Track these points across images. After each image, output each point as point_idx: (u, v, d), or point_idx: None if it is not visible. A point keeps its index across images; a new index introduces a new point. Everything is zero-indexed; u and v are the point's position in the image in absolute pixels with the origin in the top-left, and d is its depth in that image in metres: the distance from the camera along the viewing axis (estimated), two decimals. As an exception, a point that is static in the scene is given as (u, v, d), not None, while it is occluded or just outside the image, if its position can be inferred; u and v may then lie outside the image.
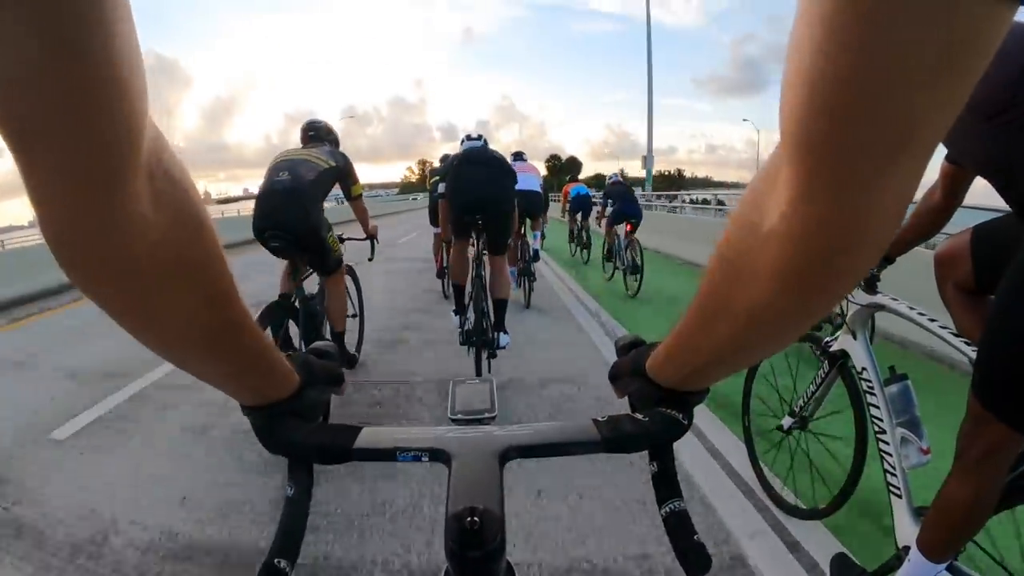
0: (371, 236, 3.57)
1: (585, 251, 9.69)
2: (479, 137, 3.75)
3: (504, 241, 3.49)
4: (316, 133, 3.25)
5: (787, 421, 1.94)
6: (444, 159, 5.90)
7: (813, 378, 1.82)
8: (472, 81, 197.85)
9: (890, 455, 1.48)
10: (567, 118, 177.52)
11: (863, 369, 1.56)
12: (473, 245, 3.43)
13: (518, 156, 6.31)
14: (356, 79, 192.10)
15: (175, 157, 0.34)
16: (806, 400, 1.86)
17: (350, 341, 3.63)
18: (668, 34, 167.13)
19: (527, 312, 5.51)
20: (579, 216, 9.70)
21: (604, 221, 7.37)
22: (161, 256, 0.34)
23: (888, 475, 1.48)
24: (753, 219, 0.34)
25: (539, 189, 5.97)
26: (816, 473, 1.94)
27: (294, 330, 2.97)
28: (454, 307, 3.69)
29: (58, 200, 0.29)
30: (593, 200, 9.79)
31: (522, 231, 5.92)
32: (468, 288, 3.45)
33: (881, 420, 1.50)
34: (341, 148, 3.40)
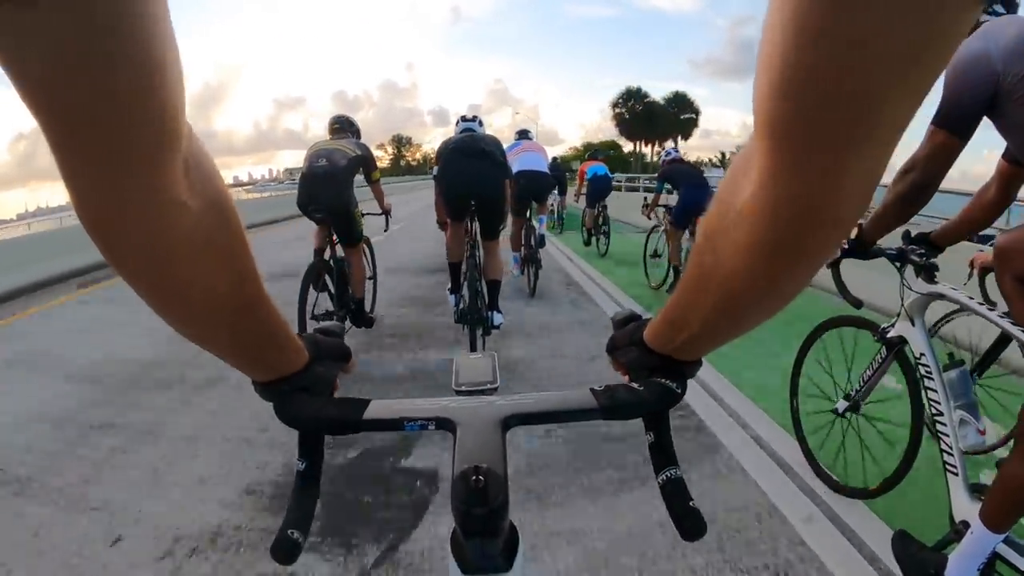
0: (386, 212, 4.24)
1: (603, 239, 7.98)
2: (474, 118, 3.89)
3: (496, 226, 3.69)
4: (341, 125, 3.90)
5: (841, 404, 2.03)
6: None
7: (869, 363, 1.91)
8: (464, 64, 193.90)
9: (947, 436, 1.56)
10: (561, 101, 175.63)
11: (921, 355, 1.65)
12: (467, 229, 3.61)
13: (523, 134, 5.94)
14: (346, 63, 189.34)
15: (202, 145, 0.36)
16: (861, 384, 1.95)
17: (367, 302, 4.14)
18: (665, 18, 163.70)
19: (531, 304, 5.17)
20: (597, 205, 8.17)
21: (664, 218, 5.65)
22: (194, 238, 0.35)
23: (945, 455, 1.56)
24: (731, 198, 0.35)
25: (546, 170, 5.50)
26: (868, 454, 2.03)
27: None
28: (450, 286, 3.86)
29: (100, 186, 0.30)
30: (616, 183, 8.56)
31: (527, 215, 5.62)
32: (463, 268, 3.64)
33: (939, 403, 1.59)
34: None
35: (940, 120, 1.39)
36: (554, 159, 9.26)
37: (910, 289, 1.67)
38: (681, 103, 75.40)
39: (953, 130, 1.38)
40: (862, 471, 2.03)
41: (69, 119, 0.27)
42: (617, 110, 75.43)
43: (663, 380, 0.51)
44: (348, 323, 3.85)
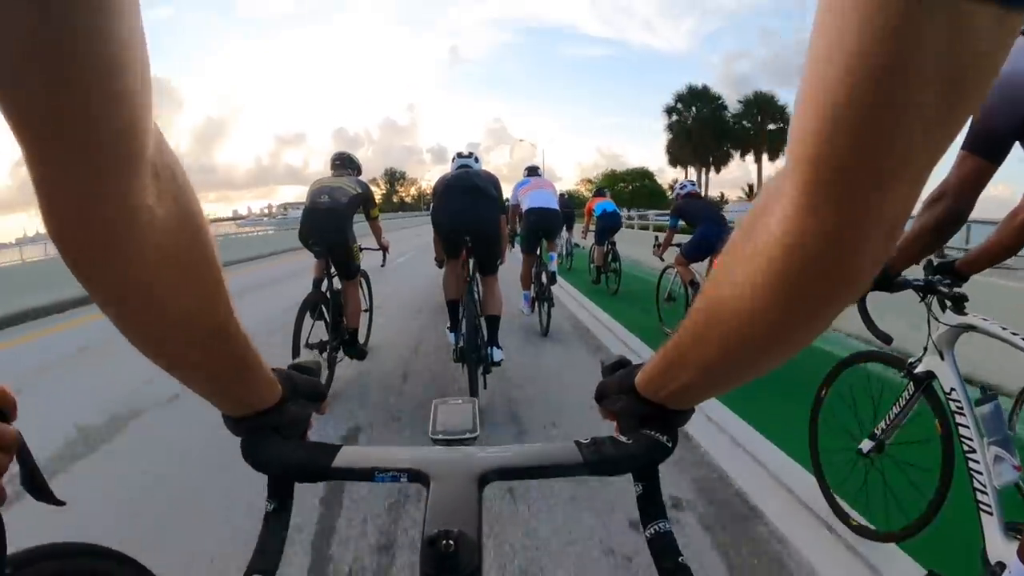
0: (384, 248, 4.42)
1: (614, 277, 7.86)
2: (470, 155, 3.94)
3: (494, 262, 3.70)
4: (342, 162, 4.08)
5: (866, 444, 1.98)
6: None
7: (895, 400, 1.87)
8: (463, 103, 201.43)
9: (980, 473, 1.52)
10: (558, 141, 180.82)
11: (951, 390, 1.62)
12: (465, 264, 3.61)
13: (533, 171, 5.88)
14: (347, 101, 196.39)
15: (174, 155, 0.35)
16: (887, 423, 1.91)
17: (360, 334, 4.24)
18: (659, 56, 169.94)
19: (544, 343, 5.06)
20: (607, 242, 8.10)
21: (672, 254, 5.43)
22: (164, 250, 0.34)
23: (978, 493, 1.52)
24: (755, 229, 0.34)
25: (556, 206, 5.45)
26: (893, 497, 1.96)
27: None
28: (448, 324, 3.83)
29: (68, 190, 0.30)
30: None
31: (537, 252, 5.53)
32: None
33: (971, 440, 1.55)
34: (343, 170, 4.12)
35: (971, 144, 1.38)
36: (562, 195, 9.24)
37: (939, 321, 1.66)
38: (763, 106, 55.95)
39: (985, 155, 1.37)
40: (885, 513, 1.96)
41: (31, 118, 0.26)
42: (673, 118, 58.72)
43: (653, 433, 0.49)
44: (341, 353, 3.93)
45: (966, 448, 1.57)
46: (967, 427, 1.57)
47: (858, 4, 0.22)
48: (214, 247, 0.39)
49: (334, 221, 3.67)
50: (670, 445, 0.49)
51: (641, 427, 0.50)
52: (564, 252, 10.96)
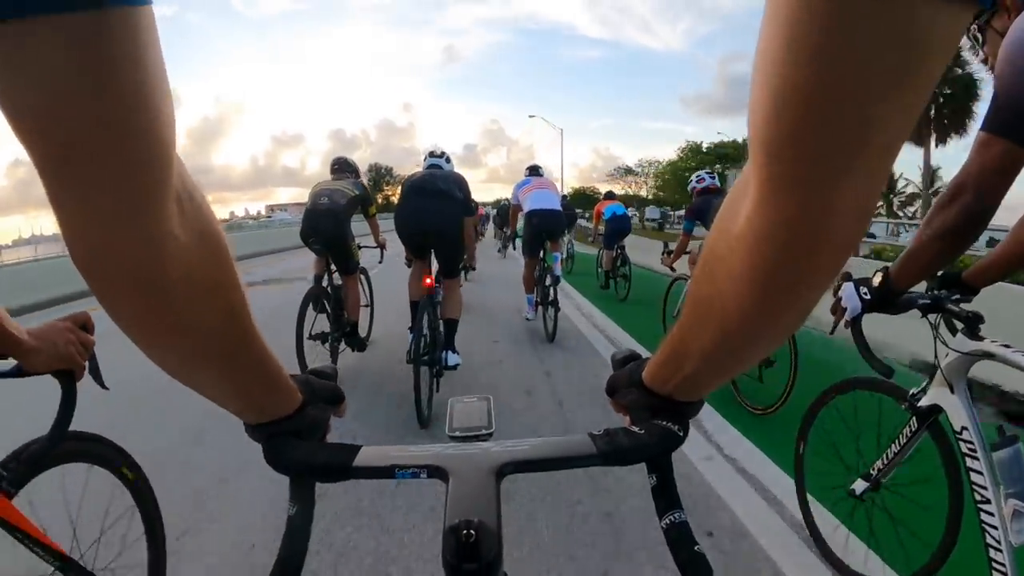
0: (381, 245, 4.72)
1: (623, 283, 7.59)
2: (442, 154, 3.98)
3: (455, 264, 3.74)
4: (340, 166, 4.49)
5: (859, 485, 1.74)
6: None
7: (895, 437, 1.63)
8: (461, 105, 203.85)
9: (994, 528, 1.28)
10: (555, 142, 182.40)
11: (963, 429, 1.38)
12: (428, 267, 3.65)
13: (534, 171, 5.69)
14: (345, 103, 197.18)
15: (193, 179, 0.35)
16: (885, 462, 1.67)
17: (363, 328, 4.63)
18: (655, 57, 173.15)
19: (551, 349, 4.91)
20: (616, 246, 7.81)
21: (683, 263, 4.59)
22: (187, 274, 0.35)
23: (991, 550, 1.28)
24: (728, 224, 0.35)
25: (559, 208, 5.30)
26: (889, 546, 1.72)
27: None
28: (410, 324, 3.75)
29: (94, 221, 0.30)
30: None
31: (540, 255, 5.40)
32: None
33: (984, 488, 1.31)
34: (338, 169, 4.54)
35: (995, 125, 1.11)
36: (563, 196, 9.03)
37: (949, 347, 1.42)
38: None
39: (1016, 136, 1.09)
40: (881, 565, 1.73)
41: (61, 151, 0.27)
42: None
43: (664, 423, 0.50)
44: (343, 344, 4.24)
45: (978, 498, 1.33)
46: (980, 473, 1.33)
47: None
48: (233, 264, 0.40)
49: (332, 220, 3.96)
50: (681, 434, 0.50)
51: (652, 419, 0.51)
52: (565, 255, 10.77)
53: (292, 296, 4.67)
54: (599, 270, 8.59)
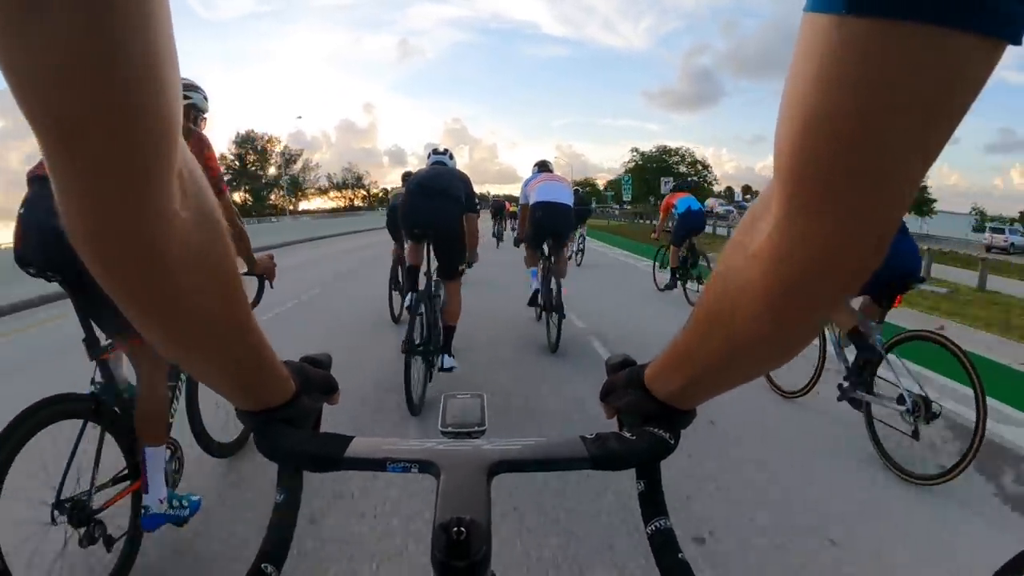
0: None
1: (695, 284, 6.94)
2: (445, 151, 3.89)
3: (455, 266, 3.63)
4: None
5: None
6: (406, 176, 5.51)
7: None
8: (423, 104, 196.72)
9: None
10: (518, 141, 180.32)
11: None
12: (427, 254, 3.63)
13: (543, 166, 5.31)
14: (304, 103, 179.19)
15: (192, 158, 0.35)
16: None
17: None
18: (617, 55, 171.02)
19: (553, 361, 4.36)
20: (687, 242, 6.96)
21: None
22: (187, 252, 0.34)
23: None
24: (746, 239, 0.35)
25: (568, 202, 4.69)
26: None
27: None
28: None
29: (97, 196, 0.29)
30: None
31: (543, 250, 4.94)
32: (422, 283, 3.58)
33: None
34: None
35: None
36: (576, 191, 8.56)
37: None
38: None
39: None
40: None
41: (66, 123, 0.26)
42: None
43: (656, 430, 0.50)
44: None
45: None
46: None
47: (839, 24, 0.23)
48: (231, 247, 0.39)
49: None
50: (673, 443, 0.50)
51: (644, 425, 0.51)
52: (576, 248, 10.88)
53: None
54: (654, 266, 8.08)
